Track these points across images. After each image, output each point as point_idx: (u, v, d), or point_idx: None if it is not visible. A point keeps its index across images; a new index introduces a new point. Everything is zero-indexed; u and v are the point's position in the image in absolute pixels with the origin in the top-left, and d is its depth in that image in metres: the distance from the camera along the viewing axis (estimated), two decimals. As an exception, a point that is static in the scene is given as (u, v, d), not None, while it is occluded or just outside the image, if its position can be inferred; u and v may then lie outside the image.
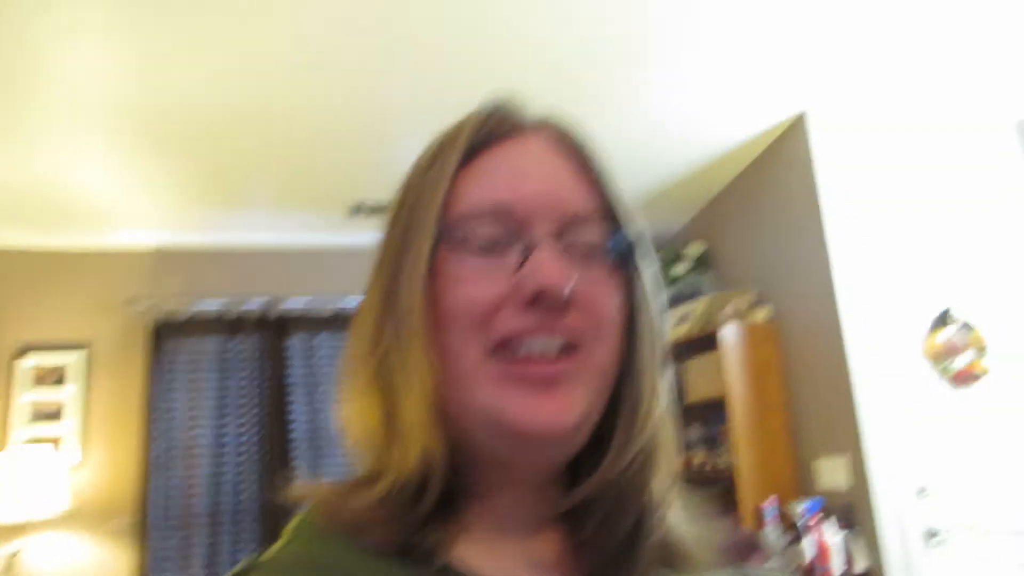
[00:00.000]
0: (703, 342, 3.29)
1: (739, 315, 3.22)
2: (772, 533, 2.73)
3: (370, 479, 0.46)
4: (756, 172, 3.31)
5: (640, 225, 0.52)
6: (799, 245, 3.02)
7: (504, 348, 0.45)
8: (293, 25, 2.14)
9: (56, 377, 3.20)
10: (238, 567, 0.44)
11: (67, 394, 3.20)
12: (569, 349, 0.46)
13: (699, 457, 3.36)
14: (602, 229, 0.50)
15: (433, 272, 0.47)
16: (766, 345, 3.11)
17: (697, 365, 3.39)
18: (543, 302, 0.45)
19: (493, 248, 0.47)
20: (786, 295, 3.14)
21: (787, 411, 3.05)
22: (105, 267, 3.38)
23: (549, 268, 0.44)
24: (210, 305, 3.43)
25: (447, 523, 0.46)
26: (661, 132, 2.98)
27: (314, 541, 0.45)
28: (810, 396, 2.95)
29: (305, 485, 0.49)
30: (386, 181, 2.76)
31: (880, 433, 2.60)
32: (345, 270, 3.38)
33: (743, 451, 2.94)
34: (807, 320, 2.98)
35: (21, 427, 3.13)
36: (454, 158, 0.49)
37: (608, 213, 0.51)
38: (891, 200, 2.87)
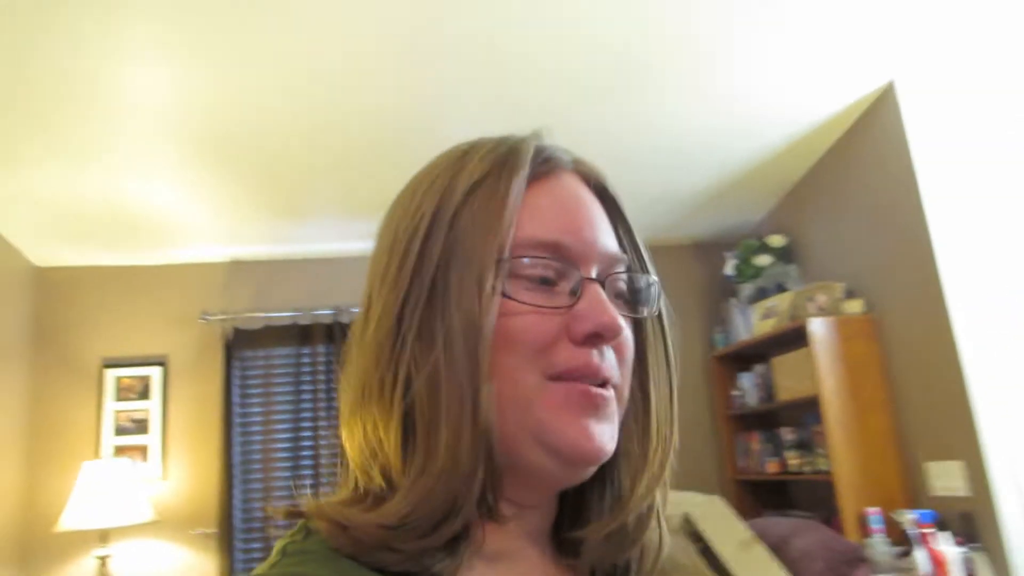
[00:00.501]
0: (790, 338, 3.08)
1: (829, 308, 3.00)
2: (879, 544, 2.50)
3: (373, 502, 0.46)
4: (842, 151, 3.07)
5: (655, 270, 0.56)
6: (893, 229, 2.78)
7: (560, 378, 0.47)
8: (351, 39, 2.18)
9: (140, 389, 3.28)
10: None
11: (150, 406, 3.27)
12: (607, 383, 0.49)
13: (794, 459, 3.14)
14: (632, 273, 0.54)
15: (488, 299, 0.47)
16: (861, 340, 2.88)
17: (786, 362, 3.18)
18: (598, 340, 0.48)
19: (546, 282, 0.48)
20: (881, 285, 2.90)
21: (889, 411, 2.80)
22: (180, 281, 3.44)
23: (606, 308, 0.48)
24: (282, 315, 3.45)
25: (456, 553, 0.45)
26: (736, 114, 2.80)
27: (310, 561, 0.43)
28: (916, 395, 2.70)
29: (303, 499, 0.48)
30: None
31: (1001, 436, 2.34)
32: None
33: (842, 454, 2.72)
34: (907, 311, 2.73)
35: (110, 438, 3.21)
36: (514, 187, 0.49)
37: (633, 257, 0.55)
38: (998, 173, 2.60)
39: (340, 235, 3.45)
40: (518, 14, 2.15)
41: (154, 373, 3.31)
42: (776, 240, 3.47)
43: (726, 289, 3.75)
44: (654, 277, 0.54)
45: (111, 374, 3.27)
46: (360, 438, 0.48)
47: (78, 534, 2.81)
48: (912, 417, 2.72)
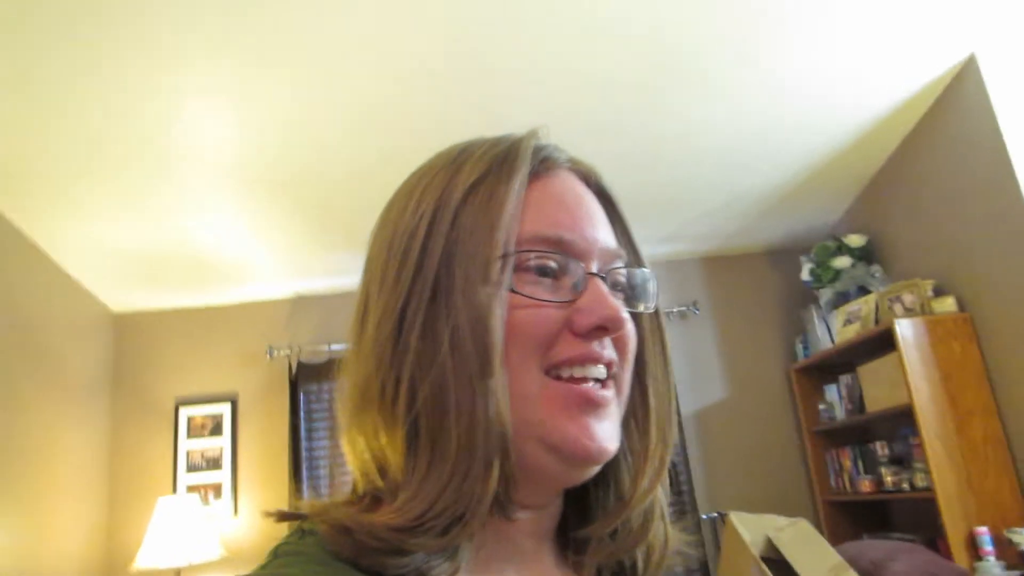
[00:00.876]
0: (877, 344, 2.84)
1: (916, 309, 2.74)
2: (992, 567, 2.23)
3: (371, 503, 0.46)
4: (921, 136, 2.84)
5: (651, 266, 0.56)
6: (986, 216, 2.52)
7: (558, 373, 0.47)
8: (398, 74, 2.25)
9: (212, 427, 3.35)
10: None
11: (222, 443, 3.33)
12: (609, 378, 0.49)
13: (889, 476, 2.87)
14: (631, 268, 0.54)
15: (491, 294, 0.47)
16: (956, 341, 2.62)
17: (873, 370, 2.93)
18: (602, 332, 0.48)
19: (550, 277, 0.48)
20: (975, 280, 2.64)
21: (994, 418, 2.52)
22: (247, 319, 3.52)
23: (609, 301, 0.48)
24: (345, 347, 3.45)
25: (456, 553, 0.44)
26: (802, 105, 2.62)
27: (302, 563, 0.42)
28: (1023, 399, 2.42)
29: (302, 503, 0.47)
30: None
31: None
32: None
33: (942, 468, 2.46)
34: (1007, 306, 2.46)
35: (183, 475, 3.28)
36: (514, 184, 0.49)
37: (631, 253, 0.55)
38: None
39: (398, 264, 3.44)
40: (557, 23, 2.10)
41: (225, 410, 3.37)
42: (855, 240, 3.23)
43: (805, 296, 3.52)
44: (651, 272, 0.55)
45: (184, 412, 3.35)
46: (363, 445, 0.48)
47: (152, 572, 2.85)
48: (1020, 424, 2.44)
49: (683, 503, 3.23)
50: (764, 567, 2.39)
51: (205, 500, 3.22)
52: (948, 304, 2.71)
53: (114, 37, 1.97)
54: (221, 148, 2.52)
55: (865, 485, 3.00)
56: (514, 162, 0.51)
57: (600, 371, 0.48)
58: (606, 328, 0.47)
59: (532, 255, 0.48)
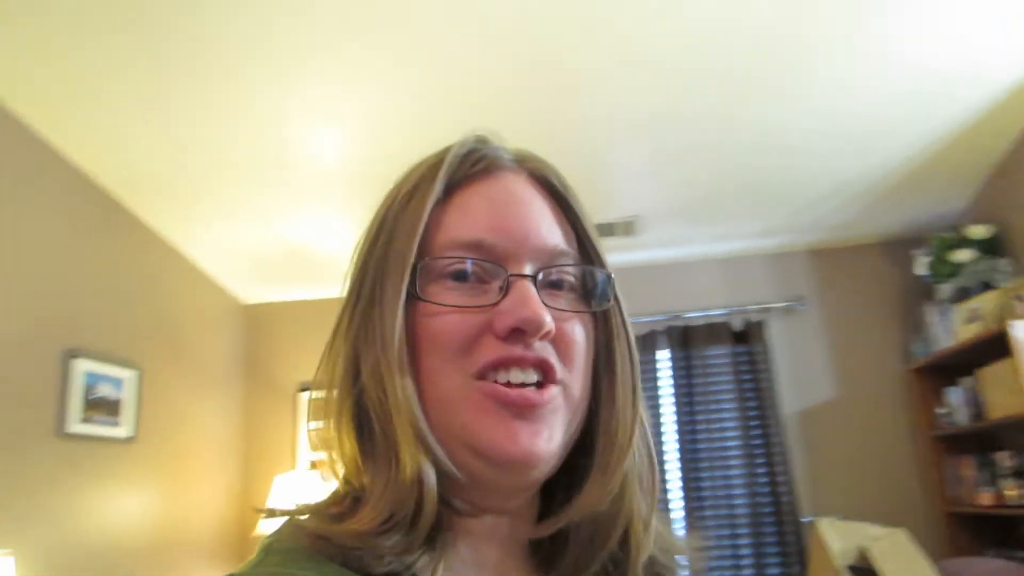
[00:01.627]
0: (998, 345, 2.61)
1: (1046, 306, 2.49)
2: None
3: (352, 504, 0.47)
4: (1053, 120, 2.56)
5: (609, 263, 0.54)
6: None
7: (484, 377, 0.47)
8: (494, 75, 2.34)
9: (328, 411, 3.64)
10: None
11: (335, 426, 3.61)
12: (547, 380, 0.48)
13: (1012, 490, 2.64)
14: (577, 265, 0.52)
15: (413, 302, 0.48)
16: (1090, 343, 2.35)
17: (993, 373, 2.70)
18: (522, 335, 0.46)
19: (473, 281, 0.48)
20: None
21: None
22: (360, 311, 3.77)
23: (528, 304, 0.46)
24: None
25: (434, 550, 0.46)
26: (921, 83, 2.44)
27: (294, 561, 0.43)
28: None
29: (275, 510, 0.49)
30: (607, 203, 2.57)
31: None
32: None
33: (1064, 484, 2.23)
34: None
35: (306, 453, 3.59)
36: (433, 192, 0.50)
37: (583, 250, 0.53)
38: None
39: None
40: (656, 16, 2.10)
41: (339, 395, 3.64)
42: (978, 231, 2.97)
43: (924, 291, 3.27)
44: (606, 270, 0.53)
45: (305, 396, 3.67)
46: (328, 443, 0.50)
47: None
48: None
49: (780, 507, 3.13)
50: (847, 577, 2.27)
51: (324, 476, 3.51)
52: (1082, 303, 2.44)
53: (238, 58, 2.21)
54: (334, 152, 2.73)
55: (984, 498, 2.77)
56: (437, 171, 0.51)
57: (530, 375, 0.47)
58: (523, 330, 0.46)
59: (447, 262, 0.48)
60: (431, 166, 0.52)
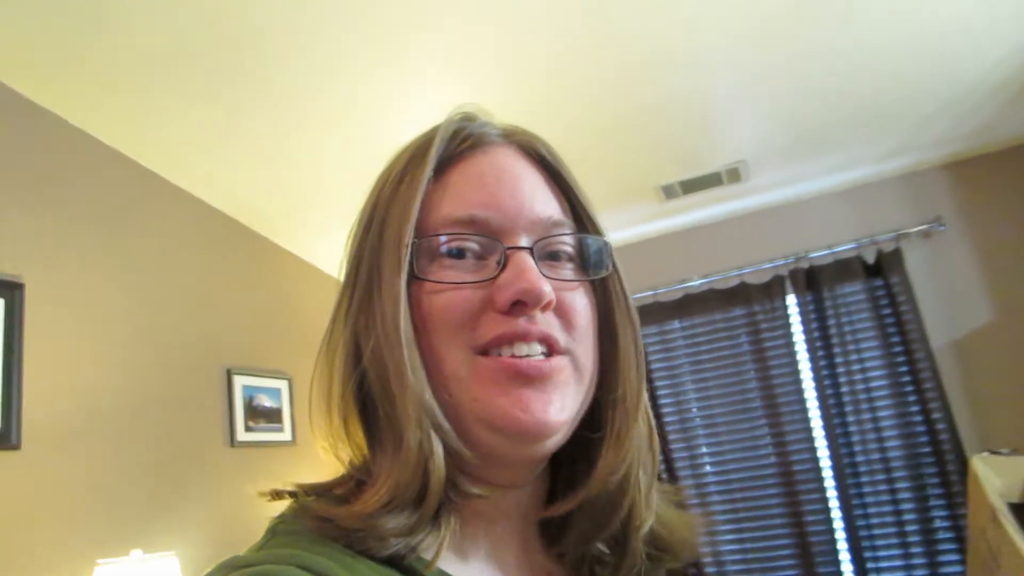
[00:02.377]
0: None
1: None
2: None
3: (356, 486, 0.48)
4: None
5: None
6: None
7: (488, 352, 0.47)
8: (560, 29, 2.28)
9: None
10: (220, 564, 0.42)
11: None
12: (552, 351, 0.48)
13: None
14: (573, 234, 0.52)
15: (412, 282, 0.48)
16: None
17: None
18: (523, 308, 0.46)
19: (470, 257, 0.49)
20: None
21: None
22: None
23: (527, 275, 0.46)
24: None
25: (438, 529, 0.46)
26: None
27: (300, 542, 0.44)
28: None
29: (282, 492, 0.50)
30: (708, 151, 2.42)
31: None
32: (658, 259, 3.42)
33: None
34: None
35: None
36: (425, 171, 0.50)
37: (577, 220, 0.53)
38: None
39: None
40: None
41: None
42: None
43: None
44: (602, 238, 0.53)
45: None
46: (333, 427, 0.50)
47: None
48: None
49: (940, 446, 2.90)
50: (1005, 516, 2.14)
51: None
52: None
53: (345, 82, 2.39)
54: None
55: None
56: (427, 150, 0.51)
57: (535, 348, 0.47)
58: (524, 302, 0.46)
59: (442, 239, 0.49)
60: (419, 147, 0.53)
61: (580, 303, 0.50)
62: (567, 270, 0.51)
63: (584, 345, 0.50)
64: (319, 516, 0.45)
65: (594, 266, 0.52)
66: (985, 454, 2.40)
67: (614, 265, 0.53)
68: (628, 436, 0.50)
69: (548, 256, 0.50)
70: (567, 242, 0.51)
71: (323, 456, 0.52)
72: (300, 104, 2.46)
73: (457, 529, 0.48)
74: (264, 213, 3.11)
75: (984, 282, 3.07)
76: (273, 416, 3.02)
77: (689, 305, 3.41)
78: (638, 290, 3.43)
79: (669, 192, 3.22)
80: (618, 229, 3.51)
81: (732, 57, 2.48)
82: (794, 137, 2.98)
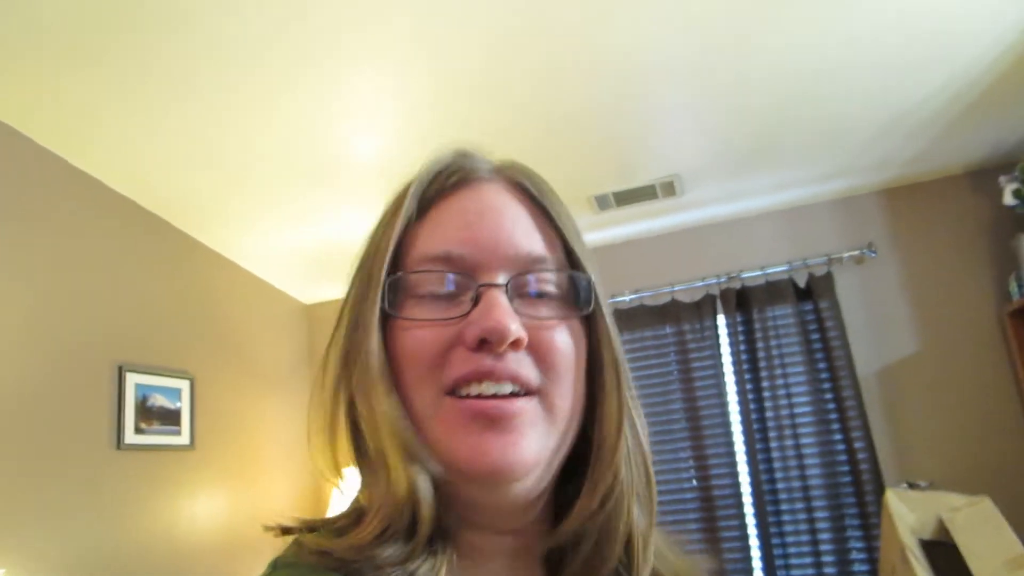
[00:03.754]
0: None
1: None
2: None
3: (356, 517, 0.48)
4: None
5: (594, 267, 0.53)
6: None
7: (456, 391, 0.47)
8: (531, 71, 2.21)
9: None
10: None
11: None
12: (523, 391, 0.47)
13: None
14: (558, 271, 0.51)
15: (390, 320, 0.49)
16: None
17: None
18: (489, 346, 0.46)
19: (446, 294, 0.48)
20: None
21: None
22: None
23: (493, 313, 0.46)
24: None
25: (434, 556, 0.45)
26: None
27: (302, 575, 0.44)
28: None
29: (279, 525, 0.50)
30: (642, 163, 2.44)
31: None
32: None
33: None
34: None
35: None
36: (403, 210, 0.51)
37: (564, 256, 0.52)
38: None
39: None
40: None
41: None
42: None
43: (1015, 222, 2.88)
44: (587, 275, 0.52)
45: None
46: (324, 456, 0.51)
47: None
48: None
49: (860, 476, 2.85)
50: (915, 555, 2.05)
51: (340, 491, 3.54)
52: None
53: (264, 66, 2.23)
54: (373, 154, 2.75)
55: (1096, 454, 2.40)
56: (407, 190, 0.52)
57: (503, 387, 0.46)
58: (488, 340, 0.45)
59: (417, 276, 0.49)
60: (407, 184, 0.53)
61: (559, 341, 0.49)
62: (546, 307, 0.50)
63: (562, 386, 0.49)
64: (317, 550, 0.45)
65: (578, 303, 0.51)
66: (903, 486, 2.35)
67: (598, 303, 0.52)
68: (601, 480, 0.49)
69: (528, 293, 0.49)
70: (548, 279, 0.50)
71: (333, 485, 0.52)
72: (222, 89, 2.29)
73: (455, 559, 0.47)
74: (176, 202, 2.92)
75: (911, 312, 3.05)
76: (170, 418, 2.83)
77: (619, 321, 3.31)
78: (568, 302, 3.32)
79: (602, 203, 3.13)
80: (552, 238, 3.41)
81: (671, 69, 2.40)
82: (731, 154, 2.92)
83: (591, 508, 0.49)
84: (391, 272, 0.49)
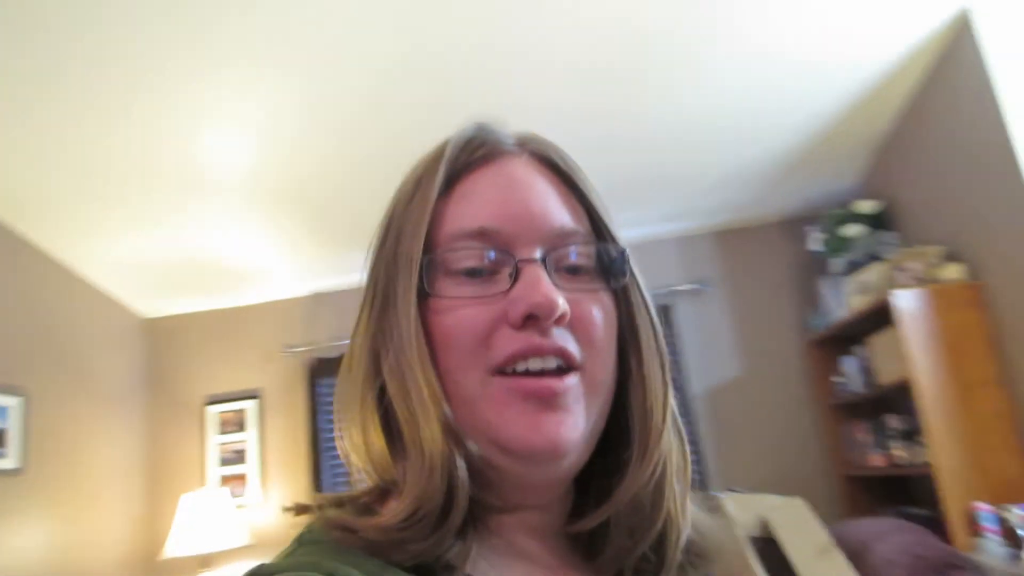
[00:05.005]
0: (886, 314, 2.74)
1: (925, 277, 2.63)
2: (992, 546, 2.16)
3: (380, 496, 0.47)
4: (926, 95, 2.70)
5: (624, 238, 0.52)
6: (988, 181, 2.39)
7: (503, 370, 0.46)
8: (394, 80, 2.26)
9: (238, 422, 3.52)
10: (246, 572, 0.40)
11: (247, 437, 3.50)
12: (567, 366, 0.46)
13: (899, 451, 2.79)
14: (590, 244, 0.50)
15: (425, 299, 0.47)
16: (962, 311, 2.51)
17: (880, 343, 2.83)
18: (535, 322, 0.45)
19: (483, 271, 0.47)
20: (985, 245, 2.51)
21: (1001, 391, 2.41)
22: (268, 318, 3.66)
23: (539, 288, 0.45)
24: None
25: (465, 539, 0.45)
26: (796, 69, 2.53)
27: (327, 554, 0.42)
28: (1029, 369, 2.30)
29: (319, 497, 0.49)
30: None
31: None
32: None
33: (942, 443, 2.38)
34: (1018, 272, 2.34)
35: (215, 469, 3.47)
36: (434, 185, 0.49)
37: (595, 228, 0.52)
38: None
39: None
40: (540, 17, 2.13)
41: (249, 406, 3.54)
42: (865, 206, 3.11)
43: (818, 266, 3.41)
44: (620, 246, 0.52)
45: (212, 410, 3.54)
46: (354, 441, 0.49)
47: (183, 560, 3.05)
48: (1026, 396, 2.33)
49: (692, 484, 3.21)
50: (750, 553, 2.36)
51: (235, 492, 3.39)
52: (956, 271, 2.59)
53: (114, 67, 2.09)
54: (231, 163, 2.66)
55: (875, 459, 2.92)
56: (438, 163, 0.50)
57: (549, 362, 0.46)
58: (536, 316, 0.45)
59: (454, 254, 0.47)
60: (433, 159, 0.52)
61: (597, 315, 0.49)
62: (582, 281, 0.49)
63: (601, 359, 0.49)
64: (343, 526, 0.44)
65: (612, 275, 0.51)
66: (726, 493, 2.68)
67: (633, 274, 0.52)
68: (657, 449, 0.49)
69: (563, 267, 0.49)
70: (582, 252, 0.50)
71: (354, 468, 0.50)
72: (72, 87, 2.14)
73: (488, 540, 0.47)
74: (12, 202, 2.64)
75: (735, 340, 3.49)
76: (-5, 439, 2.54)
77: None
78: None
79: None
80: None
81: (546, 111, 2.61)
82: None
83: (642, 480, 0.49)
84: (426, 250, 0.48)
